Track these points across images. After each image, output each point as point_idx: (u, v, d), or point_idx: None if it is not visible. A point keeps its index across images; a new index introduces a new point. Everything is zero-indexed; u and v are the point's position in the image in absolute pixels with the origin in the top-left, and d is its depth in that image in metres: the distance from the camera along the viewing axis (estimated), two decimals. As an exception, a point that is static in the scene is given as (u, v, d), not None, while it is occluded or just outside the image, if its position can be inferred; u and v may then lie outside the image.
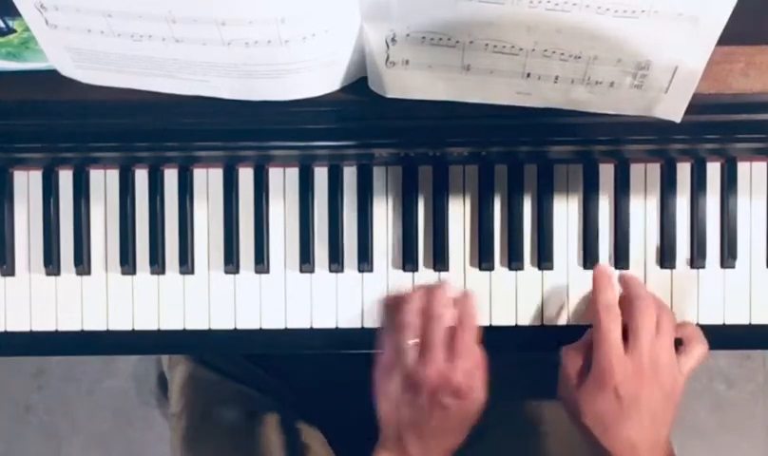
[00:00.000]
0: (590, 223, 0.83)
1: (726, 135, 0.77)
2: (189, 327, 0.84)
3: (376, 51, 0.71)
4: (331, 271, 0.84)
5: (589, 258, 0.83)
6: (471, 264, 0.83)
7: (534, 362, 0.93)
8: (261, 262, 0.83)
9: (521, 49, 0.69)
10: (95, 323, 0.84)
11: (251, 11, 0.65)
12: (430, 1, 0.66)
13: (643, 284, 0.78)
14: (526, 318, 0.84)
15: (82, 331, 0.84)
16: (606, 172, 0.83)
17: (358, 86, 0.75)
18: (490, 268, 0.83)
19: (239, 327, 0.84)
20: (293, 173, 0.84)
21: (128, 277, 0.84)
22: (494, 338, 0.78)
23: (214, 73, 0.72)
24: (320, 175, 0.84)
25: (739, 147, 0.80)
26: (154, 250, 0.84)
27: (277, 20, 0.66)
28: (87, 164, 0.84)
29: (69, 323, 0.85)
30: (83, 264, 0.84)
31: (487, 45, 0.69)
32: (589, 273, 0.82)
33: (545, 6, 0.65)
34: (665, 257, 0.83)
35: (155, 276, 0.84)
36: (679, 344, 0.76)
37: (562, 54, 0.69)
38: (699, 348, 0.76)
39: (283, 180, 0.84)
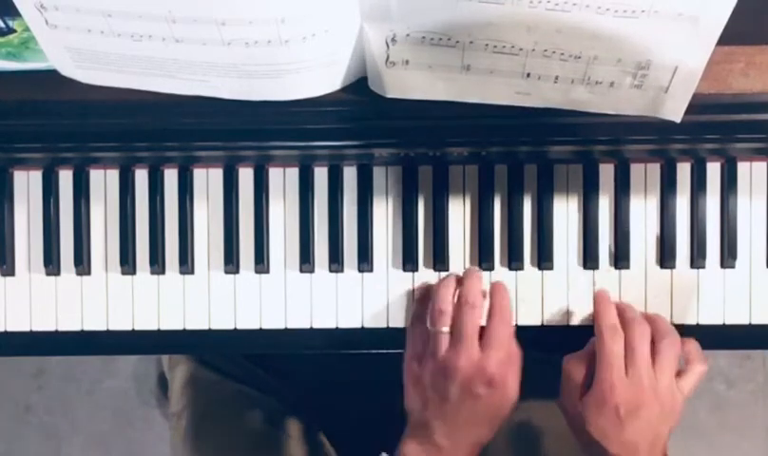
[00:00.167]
0: (590, 223, 0.83)
1: (726, 135, 0.77)
2: (189, 327, 0.84)
3: (376, 51, 0.70)
4: (331, 271, 0.84)
5: (589, 258, 0.83)
6: (472, 264, 0.83)
7: (534, 362, 0.93)
8: (261, 262, 0.83)
9: (521, 49, 0.69)
10: (95, 323, 0.84)
11: (251, 11, 0.65)
12: (430, 1, 0.66)
13: (635, 308, 0.79)
14: (526, 318, 0.84)
15: (82, 331, 0.84)
16: (606, 172, 0.83)
17: (358, 86, 0.75)
18: (490, 268, 0.83)
19: (239, 327, 0.84)
20: (293, 173, 0.84)
21: (128, 277, 0.84)
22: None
23: (214, 73, 0.72)
24: (320, 175, 0.84)
25: (739, 147, 0.80)
26: (154, 250, 0.84)
27: (277, 20, 0.66)
28: (87, 164, 0.84)
29: (69, 323, 0.85)
30: (83, 264, 0.84)
31: (487, 45, 0.69)
32: (589, 273, 0.82)
33: (545, 6, 0.65)
34: (665, 257, 0.83)
35: (155, 276, 0.84)
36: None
37: (562, 54, 0.69)
38: (698, 367, 0.78)
39: (283, 180, 0.84)
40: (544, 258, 0.83)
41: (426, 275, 0.83)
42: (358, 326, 0.84)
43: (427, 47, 0.70)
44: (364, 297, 0.84)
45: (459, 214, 0.84)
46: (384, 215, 0.84)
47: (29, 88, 0.75)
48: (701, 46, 0.67)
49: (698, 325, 0.83)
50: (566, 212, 0.83)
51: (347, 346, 0.84)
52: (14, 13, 0.69)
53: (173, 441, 1.01)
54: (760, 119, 0.75)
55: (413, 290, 0.83)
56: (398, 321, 0.83)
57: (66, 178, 0.84)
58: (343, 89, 0.75)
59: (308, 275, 0.84)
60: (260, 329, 0.84)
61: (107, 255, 0.84)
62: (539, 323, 0.83)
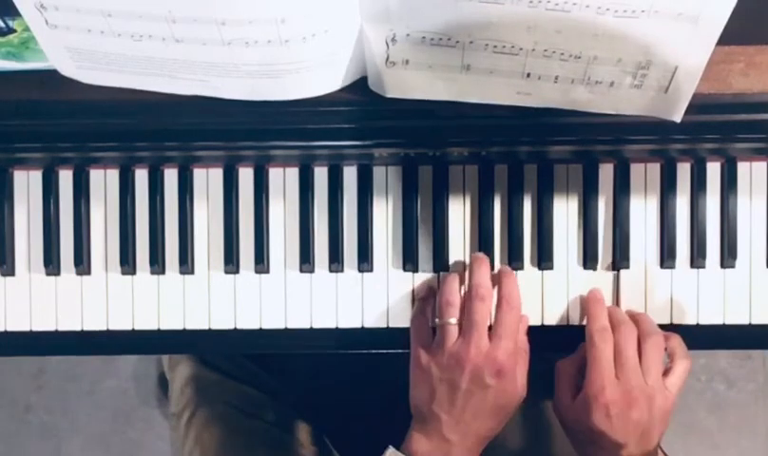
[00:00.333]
0: (590, 223, 0.83)
1: (726, 135, 0.77)
2: (189, 327, 0.84)
3: (376, 51, 0.70)
4: (331, 271, 0.84)
5: (589, 258, 0.83)
6: (471, 264, 0.83)
7: (534, 361, 0.93)
8: (261, 262, 0.83)
9: (521, 49, 0.69)
10: (95, 323, 0.84)
11: (251, 11, 0.65)
12: (430, 1, 0.66)
13: (622, 310, 0.80)
14: (526, 318, 0.83)
15: (82, 331, 0.84)
16: (606, 172, 0.83)
17: (358, 86, 0.75)
18: (490, 268, 0.83)
19: (239, 327, 0.84)
20: (293, 173, 0.84)
21: (128, 277, 0.84)
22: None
23: (214, 73, 0.72)
24: (320, 175, 0.84)
25: (739, 147, 0.80)
26: (154, 250, 0.84)
27: (277, 20, 0.66)
28: (87, 164, 0.84)
29: (69, 323, 0.84)
30: (83, 264, 0.84)
31: (487, 45, 0.69)
32: (589, 273, 0.82)
33: (545, 6, 0.65)
34: (665, 257, 0.83)
35: (155, 276, 0.84)
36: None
37: (562, 54, 0.69)
38: (682, 363, 0.78)
39: (283, 180, 0.84)
40: (544, 258, 0.83)
41: (426, 276, 0.83)
42: (358, 326, 0.84)
43: (427, 47, 0.70)
44: (364, 297, 0.84)
45: (459, 214, 0.84)
46: (384, 215, 0.84)
47: (29, 88, 0.75)
48: (701, 46, 0.67)
49: (698, 325, 0.83)
50: (565, 212, 0.83)
51: (347, 346, 0.84)
52: (14, 13, 0.69)
53: (173, 441, 1.01)
54: (760, 119, 0.75)
55: (414, 290, 0.83)
56: (398, 321, 0.83)
57: (66, 178, 0.84)
58: (343, 89, 0.75)
59: (308, 275, 0.84)
60: (260, 329, 0.84)
61: (107, 255, 0.84)
62: (539, 323, 0.83)
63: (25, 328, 0.85)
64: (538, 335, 0.80)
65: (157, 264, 0.83)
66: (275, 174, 0.84)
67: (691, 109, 0.72)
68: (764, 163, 0.83)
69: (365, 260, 0.83)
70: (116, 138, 0.78)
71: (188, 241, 0.84)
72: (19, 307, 0.85)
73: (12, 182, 0.84)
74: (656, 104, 0.72)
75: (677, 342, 0.79)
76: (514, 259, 0.83)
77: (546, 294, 0.83)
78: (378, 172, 0.83)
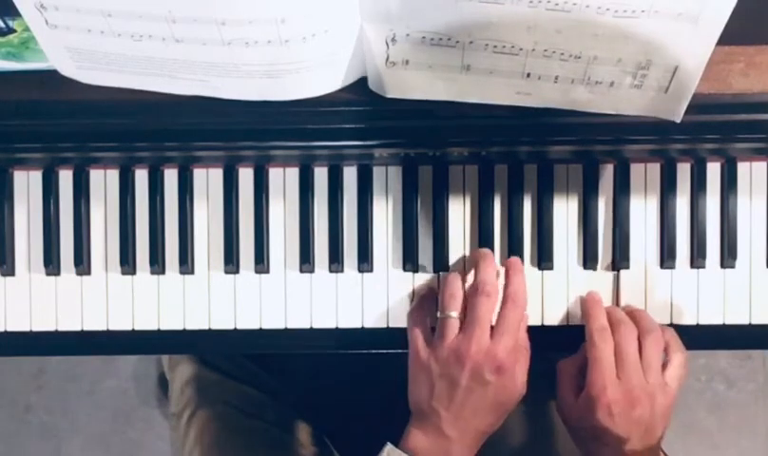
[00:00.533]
0: (590, 223, 0.83)
1: (726, 135, 0.77)
2: (189, 327, 0.84)
3: (376, 51, 0.70)
4: (331, 271, 0.84)
5: (589, 258, 0.83)
6: (471, 264, 0.83)
7: (535, 361, 0.93)
8: (261, 262, 0.83)
9: (521, 49, 0.69)
10: (95, 323, 0.84)
11: (251, 11, 0.65)
12: (430, 1, 0.66)
13: (623, 311, 0.80)
14: (526, 318, 0.83)
15: (82, 331, 0.84)
16: (606, 172, 0.83)
17: (358, 86, 0.75)
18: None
19: (239, 327, 0.84)
20: (293, 173, 0.84)
21: (128, 277, 0.84)
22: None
23: (214, 73, 0.72)
24: (320, 175, 0.84)
25: (739, 147, 0.80)
26: (154, 250, 0.84)
27: (277, 20, 0.66)
28: (87, 164, 0.84)
29: (69, 323, 0.84)
30: (83, 264, 0.84)
31: (487, 45, 0.69)
32: (589, 273, 0.82)
33: (545, 6, 0.65)
34: (665, 257, 0.83)
35: (155, 276, 0.84)
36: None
37: (562, 54, 0.69)
38: (677, 356, 0.78)
39: (283, 180, 0.84)
40: (544, 258, 0.83)
41: (426, 276, 0.83)
42: (358, 326, 0.84)
43: (427, 47, 0.69)
44: (364, 297, 0.84)
45: (459, 214, 0.84)
46: (384, 215, 0.84)
47: (29, 88, 0.75)
48: (701, 46, 0.67)
49: (698, 325, 0.83)
50: (565, 212, 0.83)
51: (347, 346, 0.84)
52: (14, 13, 0.69)
53: (173, 441, 1.01)
54: (760, 119, 0.75)
55: (414, 290, 0.83)
56: (398, 321, 0.83)
57: (66, 178, 0.84)
58: (343, 89, 0.75)
59: (308, 275, 0.84)
60: (260, 329, 0.84)
61: (107, 255, 0.84)
62: (539, 323, 0.83)
63: (25, 328, 0.85)
64: (538, 335, 0.80)
65: (157, 264, 0.83)
66: (275, 174, 0.84)
67: (691, 109, 0.72)
68: (764, 163, 0.83)
69: (365, 260, 0.83)
70: (116, 138, 0.78)
71: (188, 241, 0.84)
72: (19, 307, 0.85)
73: (12, 182, 0.84)
74: (656, 104, 0.72)
75: (670, 334, 0.79)
76: (514, 259, 0.83)
77: (546, 294, 0.83)
78: (378, 172, 0.83)
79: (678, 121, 0.73)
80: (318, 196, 0.84)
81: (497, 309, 0.76)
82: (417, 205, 0.83)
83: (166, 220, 0.84)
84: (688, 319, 0.83)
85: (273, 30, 0.67)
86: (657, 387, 0.75)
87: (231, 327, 0.84)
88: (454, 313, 0.75)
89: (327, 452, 1.00)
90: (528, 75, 0.71)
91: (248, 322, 0.84)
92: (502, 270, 0.79)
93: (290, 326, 0.84)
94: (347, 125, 0.76)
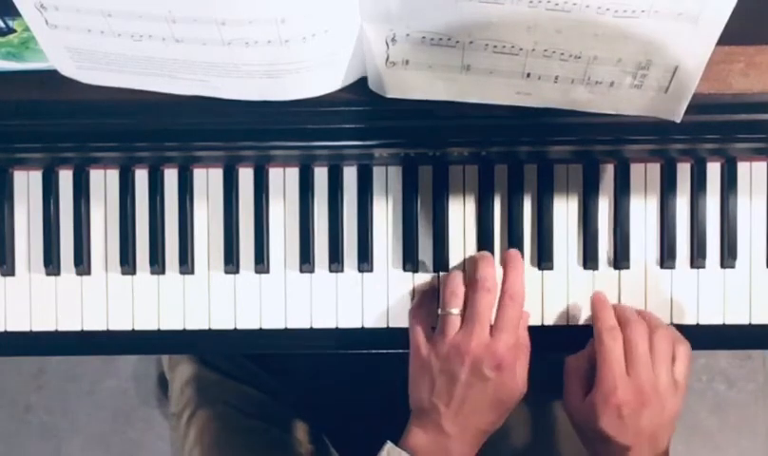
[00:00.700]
0: (590, 223, 0.83)
1: (726, 135, 0.77)
2: (189, 327, 0.84)
3: (376, 51, 0.70)
4: (331, 271, 0.84)
5: (589, 258, 0.83)
6: (471, 264, 0.83)
7: (536, 361, 0.93)
8: (261, 262, 0.83)
9: (521, 49, 0.69)
10: (95, 323, 0.84)
11: (251, 11, 0.65)
12: (430, 1, 0.66)
13: (632, 309, 0.80)
14: (526, 318, 0.83)
15: (82, 331, 0.84)
16: (606, 172, 0.83)
17: (358, 86, 0.75)
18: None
19: (239, 327, 0.84)
20: (293, 173, 0.84)
21: (128, 277, 0.84)
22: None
23: (214, 73, 0.72)
24: (320, 175, 0.84)
25: (739, 147, 0.80)
26: (154, 250, 0.84)
27: (277, 20, 0.66)
28: (87, 164, 0.84)
29: (69, 323, 0.84)
30: (83, 264, 0.84)
31: (487, 45, 0.69)
32: (589, 273, 0.82)
33: (545, 6, 0.65)
34: (665, 257, 0.83)
35: (155, 276, 0.84)
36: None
37: (562, 54, 0.69)
38: (682, 348, 0.78)
39: (283, 180, 0.84)
40: (544, 258, 0.83)
41: (426, 276, 0.83)
42: (358, 326, 0.84)
43: (427, 47, 0.69)
44: (364, 297, 0.84)
45: (459, 214, 0.84)
46: (384, 215, 0.84)
47: (29, 88, 0.75)
48: (701, 46, 0.67)
49: (698, 325, 0.83)
50: (565, 212, 0.83)
51: (347, 346, 0.84)
52: (14, 13, 0.69)
53: (173, 441, 1.01)
54: (760, 119, 0.75)
55: (414, 290, 0.83)
56: (398, 321, 0.83)
57: (66, 178, 0.84)
58: (343, 89, 0.75)
59: (308, 275, 0.84)
60: (260, 329, 0.84)
61: (107, 255, 0.84)
62: (539, 323, 0.83)
63: (25, 328, 0.85)
64: (538, 335, 0.80)
65: (157, 264, 0.83)
66: (275, 174, 0.84)
67: (691, 109, 0.72)
68: (764, 163, 0.83)
69: (365, 260, 0.83)
70: (116, 138, 0.78)
71: (188, 241, 0.84)
72: (19, 307, 0.85)
73: (12, 182, 0.84)
74: (656, 104, 0.72)
75: (671, 329, 0.79)
76: (514, 259, 0.83)
77: (546, 295, 0.83)
78: (378, 172, 0.83)
79: (678, 121, 0.73)
80: (318, 196, 0.84)
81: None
82: (417, 205, 0.83)
83: (166, 220, 0.84)
84: (688, 319, 0.83)
85: (273, 30, 0.67)
86: (668, 386, 0.75)
87: (231, 327, 0.84)
88: (455, 310, 0.75)
89: (326, 452, 1.00)
90: (528, 75, 0.71)
91: (248, 322, 0.84)
92: (501, 270, 0.79)
93: (290, 326, 0.84)
94: (347, 125, 0.76)
